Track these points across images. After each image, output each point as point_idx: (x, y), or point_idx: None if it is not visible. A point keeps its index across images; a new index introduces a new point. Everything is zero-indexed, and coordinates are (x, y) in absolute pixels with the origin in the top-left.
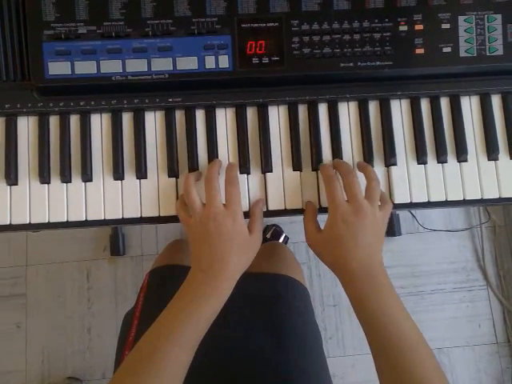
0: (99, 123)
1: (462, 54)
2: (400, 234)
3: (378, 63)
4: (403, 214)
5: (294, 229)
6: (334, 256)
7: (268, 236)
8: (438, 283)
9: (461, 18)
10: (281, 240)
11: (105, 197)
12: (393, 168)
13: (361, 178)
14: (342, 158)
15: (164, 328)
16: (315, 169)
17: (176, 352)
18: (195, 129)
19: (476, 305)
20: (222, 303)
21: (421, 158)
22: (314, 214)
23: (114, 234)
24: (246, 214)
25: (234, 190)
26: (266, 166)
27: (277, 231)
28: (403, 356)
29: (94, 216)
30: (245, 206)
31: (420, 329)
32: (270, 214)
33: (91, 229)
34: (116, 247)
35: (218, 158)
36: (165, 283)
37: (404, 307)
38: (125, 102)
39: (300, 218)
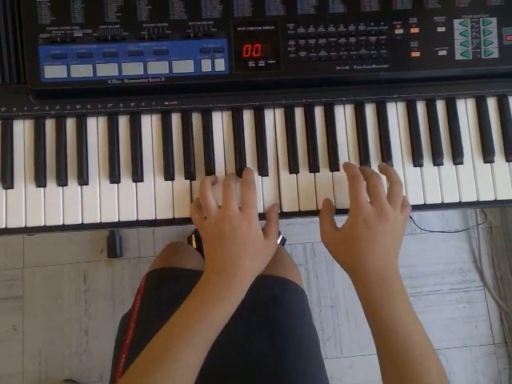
0: (95, 126)
1: (458, 57)
2: None
3: (373, 66)
4: None
5: (291, 231)
6: (349, 257)
7: None
8: (435, 284)
9: (456, 22)
10: (278, 242)
11: (101, 200)
12: None
13: None
14: (338, 161)
15: (177, 329)
16: (312, 171)
17: (188, 353)
18: (191, 132)
19: (473, 306)
20: (235, 306)
21: (417, 161)
22: (331, 212)
23: (111, 236)
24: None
25: (251, 193)
26: (262, 170)
27: None
28: (410, 365)
29: (90, 219)
30: None
31: None
32: (264, 216)
33: (88, 231)
34: (113, 249)
35: (214, 160)
36: (162, 286)
37: (415, 315)
38: (121, 105)
39: (297, 220)
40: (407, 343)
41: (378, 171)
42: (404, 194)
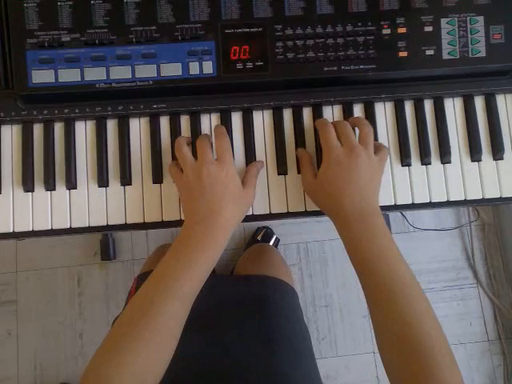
0: (83, 130)
1: (445, 56)
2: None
3: (361, 67)
4: (393, 214)
5: (284, 230)
6: (327, 198)
7: (259, 238)
8: (429, 282)
9: (443, 21)
10: (272, 242)
11: (89, 204)
12: None
13: None
14: None
15: (160, 281)
16: (300, 172)
17: (174, 305)
18: (180, 135)
19: (467, 303)
20: (218, 254)
21: (405, 160)
22: (310, 160)
23: (105, 239)
24: None
25: (224, 143)
26: None
27: (267, 233)
28: (394, 296)
29: (78, 223)
30: None
31: None
32: (254, 218)
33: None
34: (106, 252)
35: None
36: None
37: (398, 251)
38: (109, 109)
39: (288, 220)
40: (390, 275)
41: None
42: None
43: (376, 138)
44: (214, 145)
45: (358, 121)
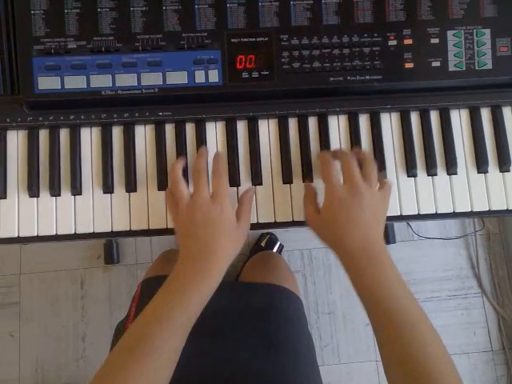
0: (89, 137)
1: (451, 68)
2: (394, 242)
3: (367, 77)
4: (398, 222)
5: (288, 237)
6: (331, 235)
7: (263, 244)
8: (433, 291)
9: (450, 33)
10: (275, 248)
11: (94, 210)
12: None
13: None
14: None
15: (153, 314)
16: (306, 181)
17: (167, 337)
18: (185, 142)
19: (471, 312)
20: (212, 290)
21: (411, 171)
22: (314, 195)
23: (109, 243)
24: None
25: (222, 181)
26: (256, 179)
27: (271, 239)
28: (402, 331)
29: (83, 229)
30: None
31: None
32: (259, 226)
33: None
34: (110, 255)
35: (207, 171)
36: None
37: (405, 284)
38: (115, 116)
39: (293, 228)
40: (397, 309)
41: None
42: (386, 178)
43: (381, 149)
44: (211, 180)
45: (363, 155)
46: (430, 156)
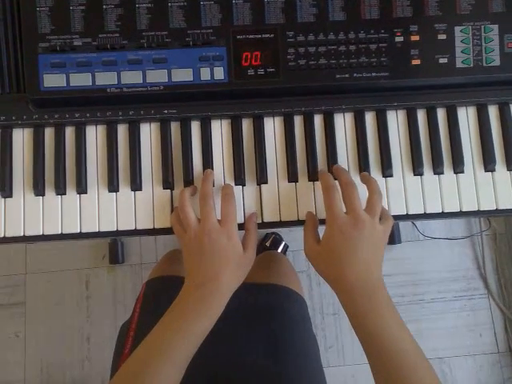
0: (94, 135)
1: (459, 64)
2: (400, 242)
3: (374, 74)
4: (403, 222)
5: (293, 237)
6: (330, 268)
7: (268, 244)
8: (439, 292)
9: (457, 29)
10: (280, 248)
11: (99, 209)
12: (389, 179)
13: (361, 190)
14: None
15: (154, 344)
16: (311, 180)
17: (166, 368)
18: (190, 140)
19: (477, 314)
20: (214, 320)
21: (417, 170)
22: (314, 225)
23: (113, 243)
24: (241, 226)
25: (230, 208)
26: (262, 178)
27: (276, 239)
28: (402, 373)
29: (88, 228)
30: (239, 218)
31: (420, 338)
32: (264, 225)
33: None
34: (115, 255)
35: (213, 169)
36: (160, 295)
37: (403, 324)
38: (120, 113)
39: (298, 228)
40: (397, 353)
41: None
42: (386, 208)
43: (388, 147)
44: (220, 206)
45: (369, 184)
46: (436, 154)
